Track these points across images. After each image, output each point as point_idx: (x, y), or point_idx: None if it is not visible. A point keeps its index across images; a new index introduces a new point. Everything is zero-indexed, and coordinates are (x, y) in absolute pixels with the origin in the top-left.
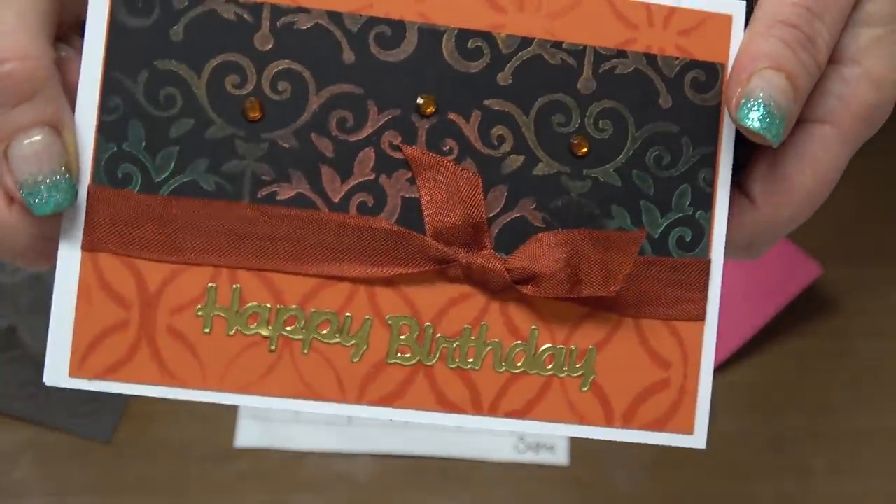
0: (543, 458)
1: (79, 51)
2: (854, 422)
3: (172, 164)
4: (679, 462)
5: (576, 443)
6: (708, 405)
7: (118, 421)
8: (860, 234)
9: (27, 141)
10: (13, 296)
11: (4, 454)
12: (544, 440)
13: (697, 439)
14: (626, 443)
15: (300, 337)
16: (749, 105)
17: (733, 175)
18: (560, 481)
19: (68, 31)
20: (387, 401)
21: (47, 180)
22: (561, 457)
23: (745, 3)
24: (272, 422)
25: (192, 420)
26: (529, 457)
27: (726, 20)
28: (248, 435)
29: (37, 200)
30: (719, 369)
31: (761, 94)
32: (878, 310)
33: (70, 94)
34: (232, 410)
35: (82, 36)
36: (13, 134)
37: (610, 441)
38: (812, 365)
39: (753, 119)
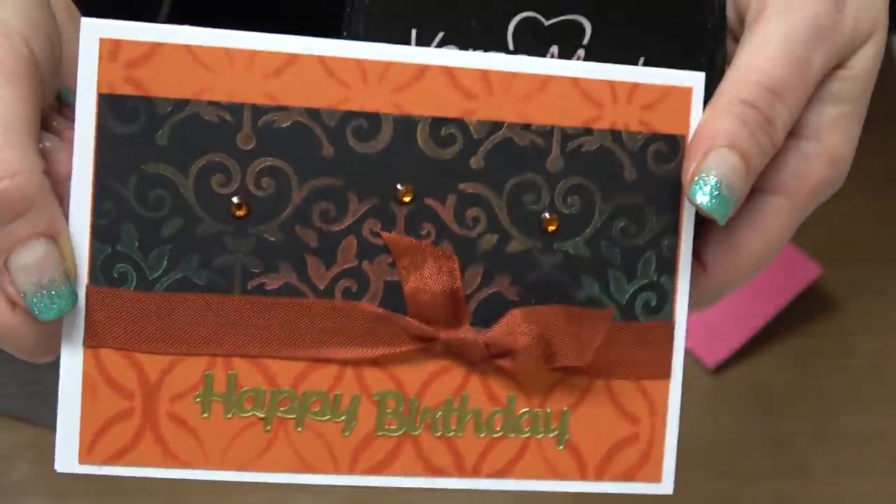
0: None
1: (60, 132)
2: (854, 422)
3: (165, 262)
4: (678, 462)
5: None
6: (674, 454)
7: None
8: (860, 234)
9: (25, 253)
10: None
11: (4, 454)
12: None
13: (665, 486)
14: None
15: (294, 416)
16: (702, 182)
17: None
18: None
19: (49, 111)
20: (377, 469)
21: (48, 288)
22: None
23: (703, 74)
24: None
25: None
26: None
27: (687, 92)
28: None
29: (40, 308)
30: (719, 369)
31: (713, 173)
32: (878, 310)
33: (60, 184)
34: None
35: (62, 105)
36: (11, 248)
37: None
38: (812, 365)
39: (704, 197)
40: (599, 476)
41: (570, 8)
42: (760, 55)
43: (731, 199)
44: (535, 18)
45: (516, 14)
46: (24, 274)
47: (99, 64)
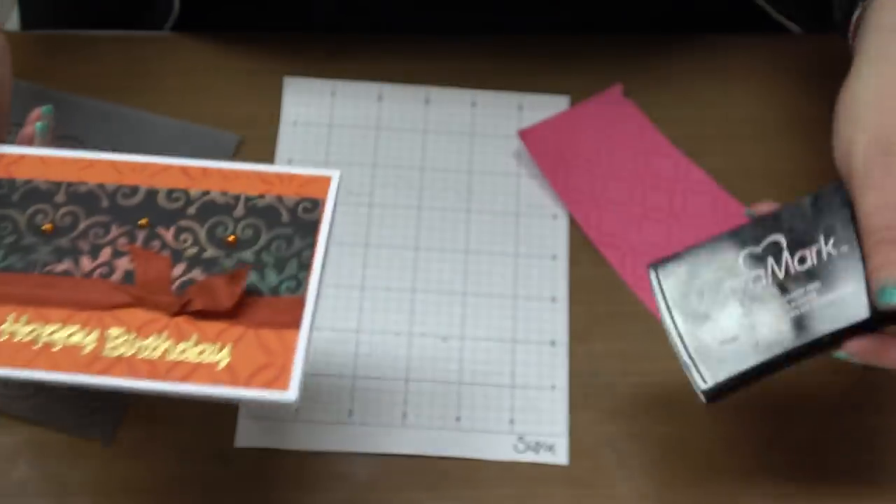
0: (543, 458)
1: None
2: (854, 422)
3: (1, 254)
4: (678, 462)
5: (576, 443)
6: (300, 375)
7: (118, 421)
8: None
9: None
10: None
11: (4, 454)
12: (544, 440)
13: (291, 394)
14: (626, 443)
15: (55, 339)
16: (888, 294)
17: None
18: (560, 481)
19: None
20: (103, 372)
21: None
22: (561, 457)
23: (339, 171)
24: (272, 422)
25: (192, 420)
26: (529, 457)
27: (327, 179)
28: (248, 435)
29: None
30: None
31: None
32: None
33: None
34: (232, 410)
35: None
36: None
37: (609, 440)
38: (812, 365)
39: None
40: (247, 385)
41: None
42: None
43: None
44: None
45: None
46: None
47: None
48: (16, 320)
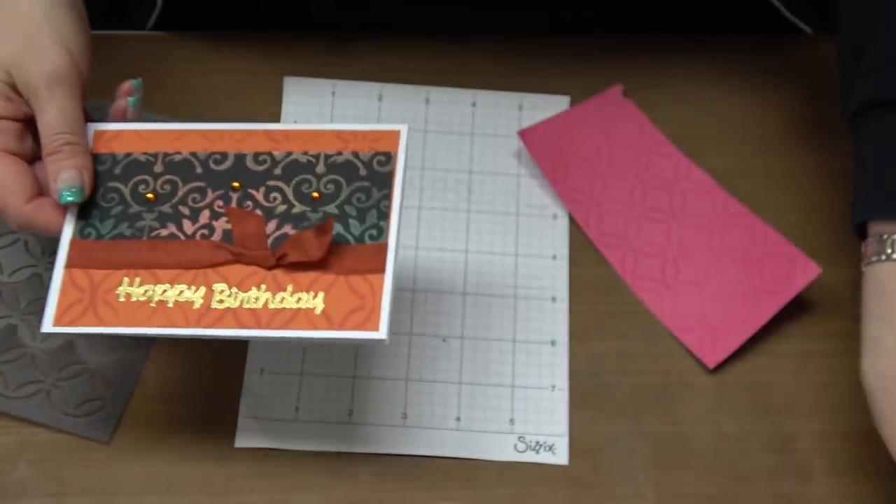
0: (543, 458)
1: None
2: (854, 422)
3: (110, 226)
4: (679, 462)
5: (576, 443)
6: (387, 317)
7: (118, 421)
8: None
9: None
10: (13, 296)
11: (4, 454)
12: (544, 440)
13: (381, 333)
14: (626, 443)
15: (167, 297)
16: None
17: None
18: (560, 481)
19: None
20: (211, 325)
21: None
22: (561, 457)
23: (407, 126)
24: (272, 422)
25: (192, 420)
26: (529, 457)
27: (396, 133)
28: (248, 435)
29: (64, 196)
30: (719, 369)
31: None
32: None
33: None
34: (232, 410)
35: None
36: (61, 168)
37: (609, 440)
38: (812, 365)
39: None
40: (341, 327)
41: None
42: None
43: None
44: None
45: None
46: (62, 182)
47: (93, 140)
48: (130, 283)
